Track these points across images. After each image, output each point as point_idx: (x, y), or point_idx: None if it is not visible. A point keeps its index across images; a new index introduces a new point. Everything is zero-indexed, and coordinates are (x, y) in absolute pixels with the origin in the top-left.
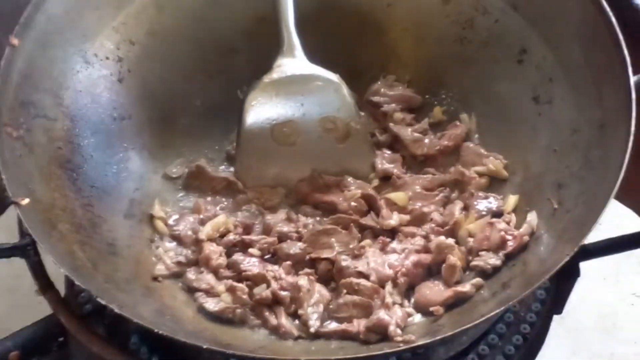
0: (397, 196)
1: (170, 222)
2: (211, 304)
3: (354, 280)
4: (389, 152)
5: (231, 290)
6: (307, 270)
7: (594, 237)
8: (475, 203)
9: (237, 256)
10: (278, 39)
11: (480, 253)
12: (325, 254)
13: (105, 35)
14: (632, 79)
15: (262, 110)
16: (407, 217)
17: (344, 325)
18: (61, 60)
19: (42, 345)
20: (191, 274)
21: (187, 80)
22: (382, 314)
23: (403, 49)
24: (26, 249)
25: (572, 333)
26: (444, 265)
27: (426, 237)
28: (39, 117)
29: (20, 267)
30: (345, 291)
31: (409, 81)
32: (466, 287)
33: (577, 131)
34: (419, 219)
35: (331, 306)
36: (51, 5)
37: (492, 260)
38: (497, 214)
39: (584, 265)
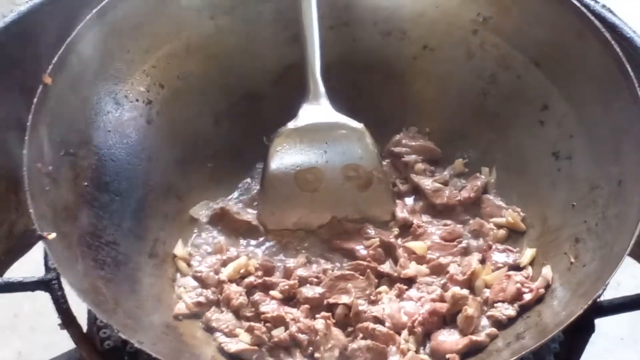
0: (416, 245)
1: (193, 262)
2: (230, 345)
3: (370, 325)
4: (409, 201)
5: (249, 330)
6: (324, 313)
7: (613, 296)
8: (492, 255)
9: (258, 296)
10: (304, 86)
11: (496, 304)
12: (343, 299)
13: (136, 78)
14: None
15: (286, 156)
16: (425, 270)
17: None
18: (92, 100)
19: None
20: (211, 314)
21: (214, 124)
22: None
23: (426, 101)
24: (51, 283)
25: None
26: (460, 315)
27: (444, 287)
28: (68, 155)
29: (42, 305)
30: (361, 335)
31: (430, 133)
32: (481, 337)
33: (595, 187)
34: (437, 270)
35: (347, 351)
36: (83, 47)
37: (508, 310)
38: (514, 267)
39: (601, 325)
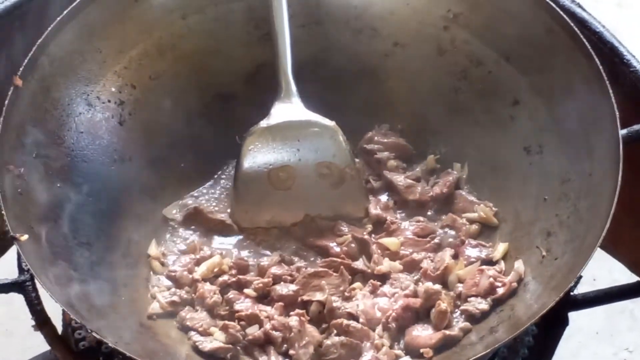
0: (390, 241)
1: (167, 261)
2: (205, 343)
3: (345, 321)
4: (382, 198)
5: (224, 328)
6: (298, 311)
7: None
8: (465, 250)
9: (232, 295)
10: (276, 85)
11: (469, 299)
12: (317, 296)
13: (108, 79)
14: (621, 132)
15: (259, 154)
16: (399, 266)
17: None
18: (64, 102)
19: None
20: (185, 313)
21: (187, 124)
22: (371, 356)
23: (398, 98)
24: (24, 285)
25: None
26: (433, 310)
27: (417, 282)
28: (40, 157)
29: (18, 309)
30: (335, 332)
31: (402, 130)
32: (455, 331)
33: (567, 180)
34: (410, 266)
35: (321, 347)
36: (54, 48)
37: (481, 305)
38: (487, 261)
39: (576, 319)
